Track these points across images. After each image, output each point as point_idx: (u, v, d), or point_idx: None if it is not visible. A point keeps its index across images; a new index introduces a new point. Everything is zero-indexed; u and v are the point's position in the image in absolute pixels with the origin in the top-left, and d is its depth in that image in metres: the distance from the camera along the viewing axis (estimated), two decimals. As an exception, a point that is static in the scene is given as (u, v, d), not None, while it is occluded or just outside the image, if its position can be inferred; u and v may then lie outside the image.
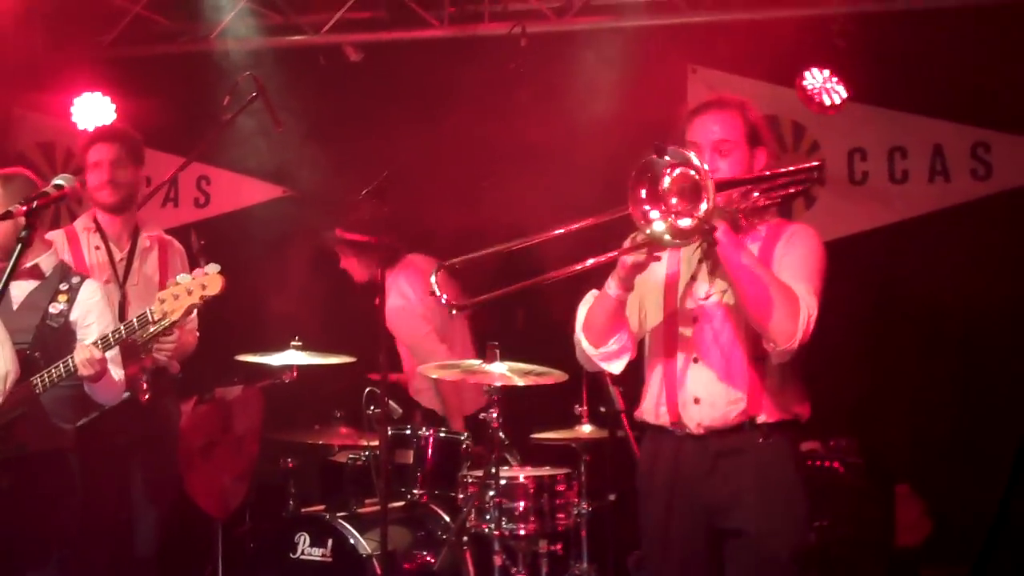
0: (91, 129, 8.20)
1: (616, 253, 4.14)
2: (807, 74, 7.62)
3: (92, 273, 5.77)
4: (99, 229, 6.02)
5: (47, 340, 5.09)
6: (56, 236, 5.81)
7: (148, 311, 4.94)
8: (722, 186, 4.04)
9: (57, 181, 3.92)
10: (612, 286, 4.25)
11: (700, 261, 4.36)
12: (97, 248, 5.97)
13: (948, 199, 7.79)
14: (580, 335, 4.43)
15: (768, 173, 4.27)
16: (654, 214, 3.95)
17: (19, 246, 3.61)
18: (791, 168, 4.28)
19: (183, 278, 4.91)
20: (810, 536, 4.49)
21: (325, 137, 8.21)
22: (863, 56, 7.56)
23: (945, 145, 7.81)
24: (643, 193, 3.96)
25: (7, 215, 3.68)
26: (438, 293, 4.29)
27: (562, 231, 4.22)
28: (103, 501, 5.60)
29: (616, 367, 4.46)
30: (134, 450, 5.89)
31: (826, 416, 7.00)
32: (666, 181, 3.93)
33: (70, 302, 5.15)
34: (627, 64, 7.58)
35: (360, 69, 8.32)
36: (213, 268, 4.90)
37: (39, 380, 4.93)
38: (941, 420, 7.46)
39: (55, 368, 4.94)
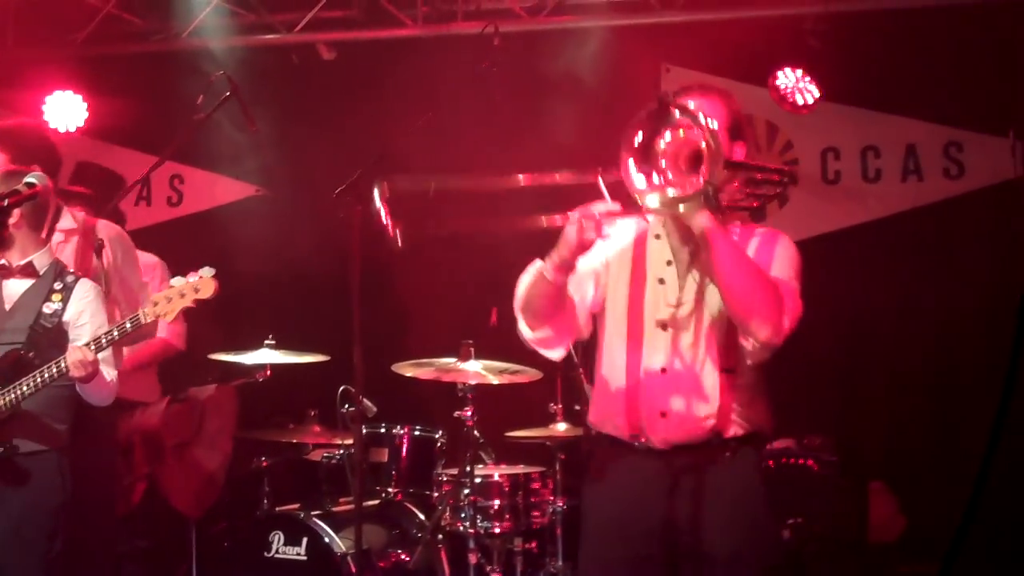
0: (70, 127, 8.19)
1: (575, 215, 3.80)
2: (780, 74, 7.65)
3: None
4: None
5: (40, 340, 5.06)
6: None
7: (141, 313, 4.94)
8: (728, 164, 3.79)
9: (28, 179, 3.90)
10: (549, 269, 3.93)
11: (669, 263, 4.10)
12: None
13: (921, 198, 7.83)
14: (518, 313, 4.13)
15: (759, 164, 4.09)
16: (638, 175, 3.72)
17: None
18: (775, 167, 4.09)
19: (177, 281, 4.92)
20: (777, 555, 4.28)
21: (298, 136, 8.21)
22: (836, 56, 7.60)
23: (918, 144, 7.85)
24: (633, 149, 3.74)
25: (-22, 210, 3.66)
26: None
27: (521, 181, 3.95)
28: (92, 501, 5.56)
29: (555, 353, 4.22)
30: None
31: (800, 414, 7.13)
32: (663, 141, 3.74)
33: (64, 301, 5.12)
34: (600, 63, 7.60)
35: (333, 68, 8.31)
36: (207, 272, 4.92)
37: (31, 381, 4.91)
38: (915, 417, 7.51)
39: (47, 369, 4.92)
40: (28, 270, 5.13)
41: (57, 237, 5.69)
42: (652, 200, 3.76)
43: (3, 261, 5.11)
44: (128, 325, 4.98)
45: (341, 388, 6.42)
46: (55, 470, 5.06)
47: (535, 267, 4.02)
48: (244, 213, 8.60)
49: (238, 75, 6.88)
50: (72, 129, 8.50)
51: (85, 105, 8.48)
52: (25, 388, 4.92)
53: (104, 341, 4.97)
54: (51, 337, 5.08)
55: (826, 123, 7.93)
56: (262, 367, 6.67)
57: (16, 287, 5.13)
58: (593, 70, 7.58)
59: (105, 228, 5.90)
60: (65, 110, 8.45)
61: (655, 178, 3.76)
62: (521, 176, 4.00)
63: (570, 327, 4.16)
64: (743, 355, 4.04)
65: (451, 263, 7.74)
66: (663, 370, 4.03)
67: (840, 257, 7.68)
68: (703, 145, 3.68)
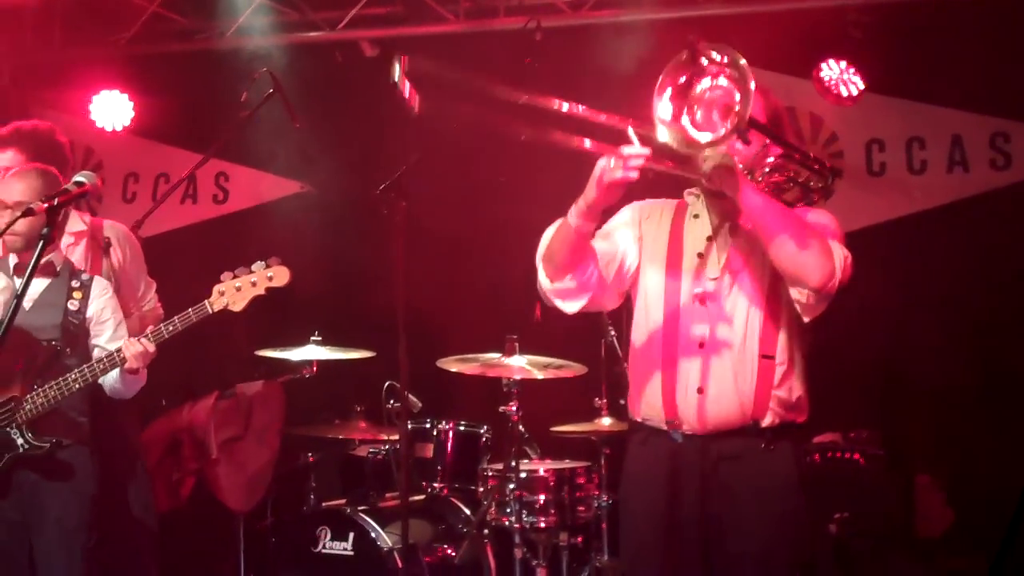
0: (117, 125, 8.23)
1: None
2: (824, 65, 7.61)
3: None
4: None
5: (72, 336, 5.14)
6: None
7: (206, 303, 5.03)
8: (753, 122, 3.76)
9: (78, 178, 3.93)
10: (573, 215, 3.95)
11: (709, 238, 4.13)
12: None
13: (967, 189, 7.76)
14: (539, 263, 4.15)
15: (794, 144, 4.09)
16: (666, 114, 3.72)
17: (41, 243, 3.62)
18: (813, 155, 4.13)
19: (243, 271, 5.00)
20: (811, 550, 4.26)
21: (342, 133, 8.23)
22: (880, 47, 7.55)
23: (964, 135, 7.78)
24: (667, 94, 3.74)
25: (28, 212, 3.70)
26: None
27: (559, 108, 3.93)
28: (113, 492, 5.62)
29: (571, 307, 4.16)
30: None
31: (847, 407, 7.10)
32: (701, 86, 3.74)
33: (84, 299, 5.19)
34: (643, 57, 7.58)
35: (376, 64, 8.32)
36: (277, 261, 5.06)
37: (77, 375, 4.97)
38: (962, 411, 7.44)
39: (98, 363, 4.99)
40: (46, 269, 5.18)
41: (67, 240, 5.75)
42: (682, 142, 3.76)
43: (16, 260, 5.17)
44: (192, 315, 5.06)
45: (387, 384, 6.45)
46: (88, 462, 5.17)
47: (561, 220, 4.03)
48: (289, 210, 8.64)
49: (281, 72, 6.93)
50: (119, 128, 8.58)
51: (131, 104, 8.55)
52: (73, 382, 4.98)
53: (166, 332, 5.06)
54: (81, 334, 5.16)
55: (871, 115, 7.87)
56: (309, 363, 6.71)
57: (36, 285, 5.15)
58: (635, 64, 7.55)
59: (111, 227, 5.96)
60: (112, 109, 8.53)
61: (686, 121, 3.76)
62: (563, 104, 3.97)
63: (589, 282, 4.13)
64: (783, 343, 4.07)
65: (495, 258, 7.75)
66: (701, 344, 4.05)
67: (886, 249, 7.62)
68: (733, 90, 3.66)
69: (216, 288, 5.06)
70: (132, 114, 8.55)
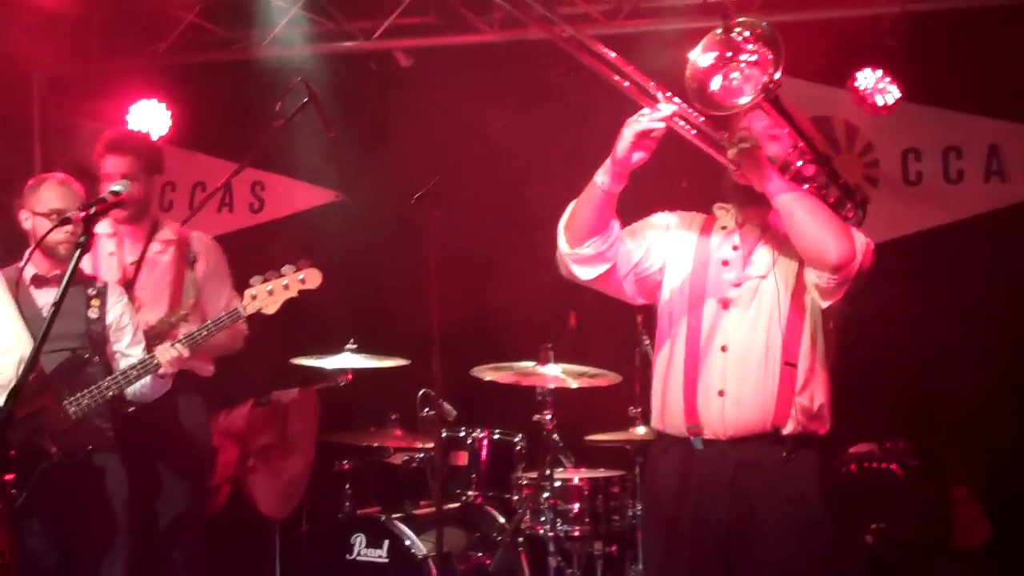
0: (154, 134, 8.27)
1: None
2: (859, 75, 7.59)
3: (101, 277, 5.82)
4: (116, 234, 6.02)
5: (99, 343, 5.17)
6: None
7: (239, 307, 5.06)
8: (778, 104, 3.87)
9: (114, 187, 3.97)
10: (602, 175, 4.05)
11: (735, 248, 4.20)
12: (111, 254, 5.96)
13: (1005, 199, 7.71)
14: (560, 231, 4.21)
15: (823, 152, 4.13)
16: (699, 83, 3.81)
17: (78, 251, 3.65)
18: (843, 179, 4.17)
19: (274, 274, 5.03)
20: (839, 561, 4.24)
21: (377, 142, 8.26)
22: (916, 56, 7.52)
23: (1001, 144, 7.72)
24: (702, 66, 3.84)
25: (66, 220, 3.74)
26: None
27: (605, 54, 4.01)
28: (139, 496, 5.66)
29: (585, 273, 4.20)
30: (161, 449, 5.92)
31: (882, 418, 7.07)
32: (735, 58, 3.83)
33: (102, 306, 5.24)
34: (678, 66, 7.57)
35: (411, 74, 8.35)
36: (307, 263, 5.12)
37: (111, 383, 5.00)
38: (999, 422, 7.38)
39: (132, 369, 5.03)
40: (60, 279, 5.19)
41: (155, 247, 5.84)
42: (713, 106, 3.83)
43: (35, 271, 5.21)
44: (226, 320, 5.10)
45: (421, 392, 6.47)
46: (118, 468, 5.25)
47: None
48: (324, 218, 8.67)
49: (316, 82, 6.96)
50: (156, 137, 8.62)
51: (168, 113, 8.59)
52: (106, 390, 5.01)
53: (200, 337, 5.09)
54: (102, 341, 5.19)
55: (907, 124, 7.83)
56: (344, 371, 6.73)
57: (51, 296, 5.18)
58: (670, 73, 7.54)
59: (198, 239, 6.05)
60: (149, 118, 8.57)
61: (719, 90, 3.83)
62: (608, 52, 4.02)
63: (608, 252, 4.17)
64: (806, 350, 4.09)
65: (529, 267, 7.75)
66: (723, 348, 4.09)
67: (922, 259, 7.59)
68: (766, 61, 3.75)
69: (248, 292, 5.10)
70: (169, 123, 8.59)
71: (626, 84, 3.98)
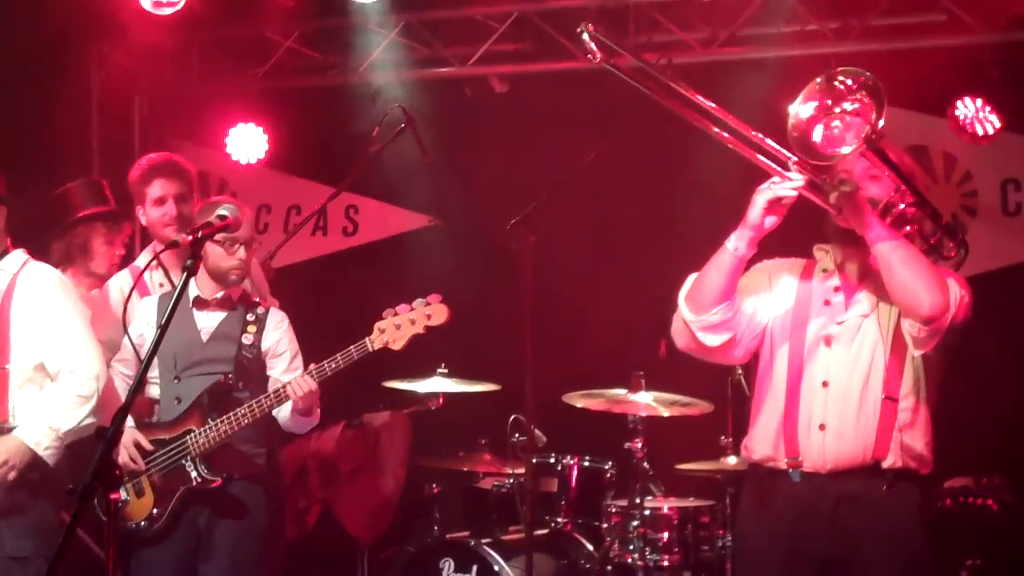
0: (251, 159, 8.34)
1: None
2: (959, 103, 7.51)
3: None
4: (160, 265, 5.86)
5: (246, 370, 5.21)
6: (122, 277, 5.83)
7: (367, 341, 5.06)
8: (881, 152, 3.93)
9: (221, 211, 4.02)
10: (735, 241, 4.09)
11: (836, 289, 4.22)
12: (161, 285, 5.86)
13: (1105, 230, 7.59)
14: (681, 302, 4.23)
15: (924, 197, 4.14)
16: (800, 133, 3.86)
17: (185, 275, 3.69)
18: (945, 221, 4.20)
19: (404, 307, 5.03)
20: None
21: (471, 167, 8.30)
22: (1017, 85, 7.42)
23: (1101, 174, 7.61)
24: (804, 116, 3.88)
25: (173, 244, 3.79)
26: None
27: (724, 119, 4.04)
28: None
29: (712, 340, 4.21)
30: None
31: (979, 452, 6.95)
32: (836, 108, 3.87)
33: (259, 332, 5.26)
34: (774, 94, 7.52)
35: (506, 100, 8.38)
36: (437, 299, 5.10)
37: (246, 410, 5.04)
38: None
39: (264, 398, 5.05)
40: (224, 303, 5.28)
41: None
42: (815, 155, 3.88)
43: (198, 294, 5.27)
44: (354, 352, 5.09)
45: (512, 417, 6.47)
46: (260, 497, 5.24)
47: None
48: (418, 243, 8.72)
49: (412, 108, 7.01)
50: (253, 160, 8.73)
51: (265, 137, 8.70)
52: (242, 417, 5.05)
53: (328, 369, 5.09)
54: (255, 367, 5.23)
55: (1007, 154, 7.73)
56: (435, 395, 6.75)
57: (212, 319, 5.27)
58: (767, 101, 7.50)
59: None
60: (247, 142, 8.69)
61: (820, 140, 3.88)
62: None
63: (733, 320, 4.20)
64: (908, 387, 4.10)
65: (622, 294, 7.75)
66: (824, 383, 4.11)
67: (1021, 291, 7.47)
68: (868, 111, 3.79)
69: (377, 326, 5.08)
70: (266, 147, 8.70)
71: (758, 157, 4.03)
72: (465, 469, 6.82)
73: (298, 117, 8.76)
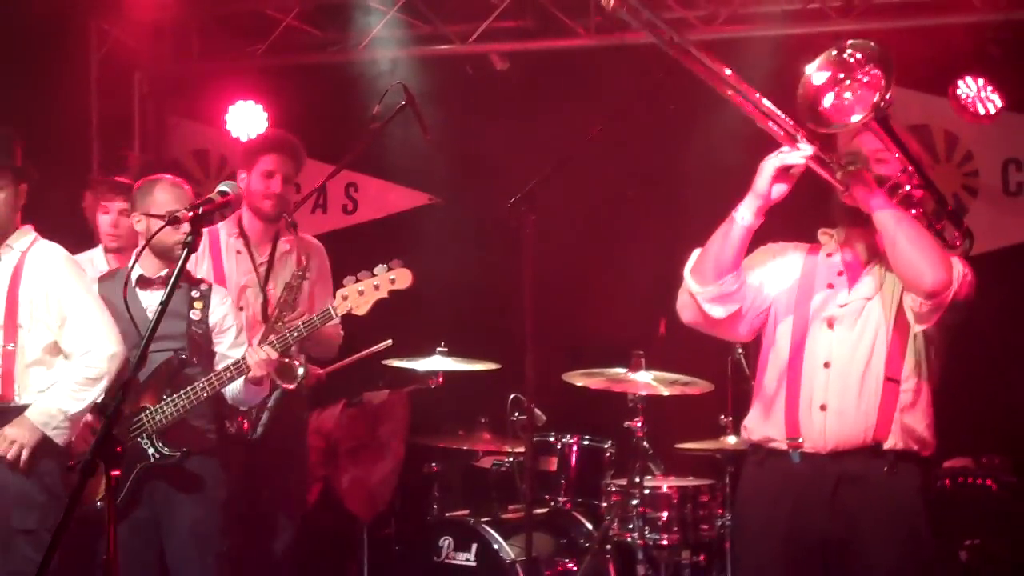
0: (251, 135, 8.35)
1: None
2: (960, 83, 7.49)
3: (230, 277, 5.87)
4: (243, 234, 6.09)
5: (197, 346, 5.23)
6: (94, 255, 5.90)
7: (330, 308, 5.10)
8: (888, 127, 3.91)
9: (222, 187, 4.01)
10: (742, 210, 4.08)
11: (840, 273, 4.23)
12: (239, 252, 6.01)
13: (1107, 210, 7.58)
14: (687, 275, 4.21)
15: (931, 180, 4.13)
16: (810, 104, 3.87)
17: (185, 251, 3.67)
18: (949, 204, 4.20)
19: (366, 274, 5.05)
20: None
21: (472, 145, 8.27)
22: (1019, 64, 7.39)
23: (1105, 155, 7.60)
24: (814, 86, 3.89)
25: (174, 219, 3.77)
26: None
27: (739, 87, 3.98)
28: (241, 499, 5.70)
29: (718, 312, 4.20)
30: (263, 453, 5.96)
31: (978, 432, 6.95)
32: (847, 80, 3.88)
33: (205, 308, 5.28)
34: (776, 73, 7.50)
35: (506, 77, 8.36)
36: (399, 263, 5.10)
37: (205, 384, 5.06)
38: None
39: (225, 371, 5.08)
40: (167, 280, 5.24)
41: (282, 247, 5.92)
42: (824, 124, 3.89)
43: (141, 272, 5.26)
44: (316, 320, 5.14)
45: (512, 396, 6.47)
46: (217, 470, 5.28)
47: None
48: (417, 221, 8.72)
49: (413, 85, 6.98)
50: (253, 137, 8.70)
51: (265, 115, 8.68)
52: (201, 391, 5.07)
53: (290, 339, 5.13)
54: (204, 342, 5.24)
55: (1008, 133, 7.71)
56: (434, 374, 6.75)
57: (156, 297, 5.24)
58: (767, 80, 7.47)
59: (308, 241, 6.12)
60: (246, 119, 8.67)
61: (831, 110, 3.88)
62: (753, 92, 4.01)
63: (738, 292, 4.20)
64: (909, 369, 4.11)
65: (622, 273, 7.74)
66: (826, 364, 4.12)
67: (1021, 271, 7.47)
68: (878, 81, 3.80)
69: (339, 292, 5.13)
70: (266, 124, 8.67)
71: (769, 124, 4.01)
72: (465, 448, 6.82)
73: (298, 94, 8.73)
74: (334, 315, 5.15)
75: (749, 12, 7.85)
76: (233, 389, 5.25)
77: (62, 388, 4.97)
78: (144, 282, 5.28)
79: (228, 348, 5.32)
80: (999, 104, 7.44)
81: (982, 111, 7.46)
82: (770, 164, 4.01)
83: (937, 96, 7.60)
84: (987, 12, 7.36)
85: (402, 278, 5.14)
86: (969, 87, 7.47)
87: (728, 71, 3.95)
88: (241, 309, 5.81)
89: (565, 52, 8.17)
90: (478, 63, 8.40)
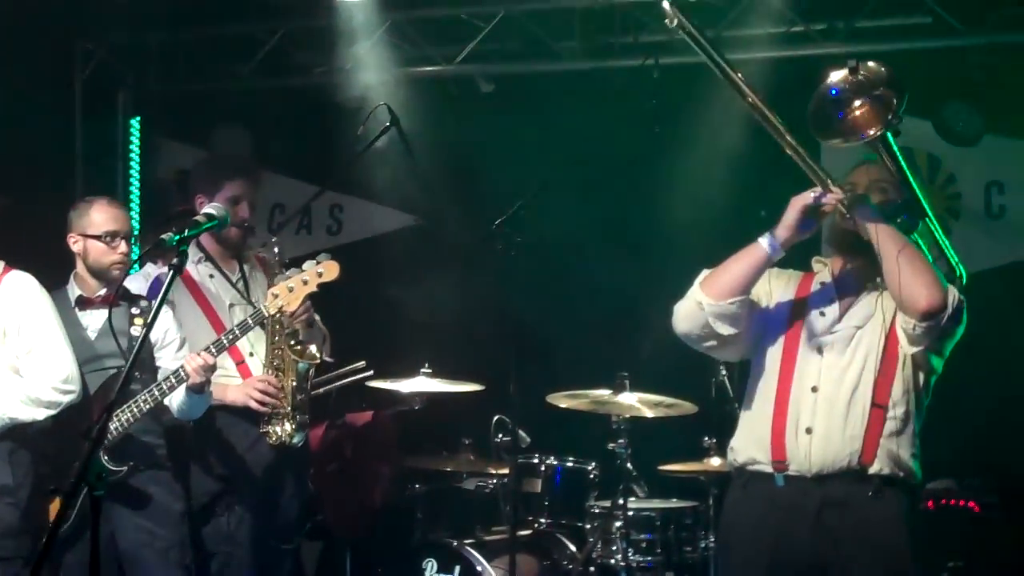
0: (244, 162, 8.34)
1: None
2: (944, 107, 7.52)
3: (217, 299, 5.82)
4: (209, 258, 5.93)
5: (141, 361, 5.18)
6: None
7: (262, 307, 5.11)
8: (890, 148, 4.03)
9: (207, 210, 4.01)
10: (769, 239, 4.16)
11: (832, 300, 4.28)
12: (211, 276, 5.92)
13: (1090, 233, 7.61)
14: (697, 288, 4.26)
15: (930, 214, 4.25)
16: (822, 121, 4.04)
17: (172, 273, 3.66)
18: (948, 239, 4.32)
19: (295, 271, 5.05)
20: None
21: (456, 167, 8.26)
22: (1001, 88, 7.43)
23: (1086, 178, 7.63)
24: (825, 104, 4.08)
25: (161, 243, 3.76)
26: None
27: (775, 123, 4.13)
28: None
29: (724, 329, 4.23)
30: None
31: (961, 453, 6.96)
32: (857, 97, 4.06)
33: (144, 325, 5.27)
34: (763, 95, 7.53)
35: (492, 100, 8.37)
36: (325, 256, 5.08)
37: (147, 396, 5.05)
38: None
39: (164, 381, 5.08)
40: (108, 299, 5.24)
41: (247, 266, 5.91)
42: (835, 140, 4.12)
43: (80, 293, 5.26)
44: (250, 321, 5.13)
45: (496, 418, 6.48)
46: (170, 482, 5.30)
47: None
48: (402, 242, 8.70)
49: (398, 106, 6.99)
50: (210, 160, 8.68)
51: (249, 136, 8.67)
52: (143, 404, 5.07)
53: (226, 341, 5.12)
54: (147, 358, 5.26)
55: (990, 156, 7.75)
56: (418, 395, 6.74)
57: (96, 317, 5.29)
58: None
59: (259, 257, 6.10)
60: (230, 141, 8.65)
61: (842, 126, 4.10)
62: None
63: (744, 316, 4.26)
64: (897, 396, 4.17)
65: (607, 295, 7.74)
66: (814, 388, 4.17)
67: (1003, 293, 7.48)
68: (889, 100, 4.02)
69: (270, 291, 5.14)
70: (249, 146, 8.66)
71: (805, 167, 4.16)
72: (448, 469, 6.81)
73: (283, 116, 8.73)
74: (266, 314, 5.15)
75: (733, 35, 7.86)
76: (178, 402, 5.24)
77: (11, 397, 4.98)
78: (83, 302, 5.30)
79: (171, 361, 5.30)
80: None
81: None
82: (797, 203, 4.13)
83: (920, 119, 7.63)
84: (970, 36, 7.40)
85: (329, 271, 5.13)
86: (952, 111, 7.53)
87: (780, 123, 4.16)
88: None
89: (550, 75, 8.18)
90: (463, 85, 8.41)
